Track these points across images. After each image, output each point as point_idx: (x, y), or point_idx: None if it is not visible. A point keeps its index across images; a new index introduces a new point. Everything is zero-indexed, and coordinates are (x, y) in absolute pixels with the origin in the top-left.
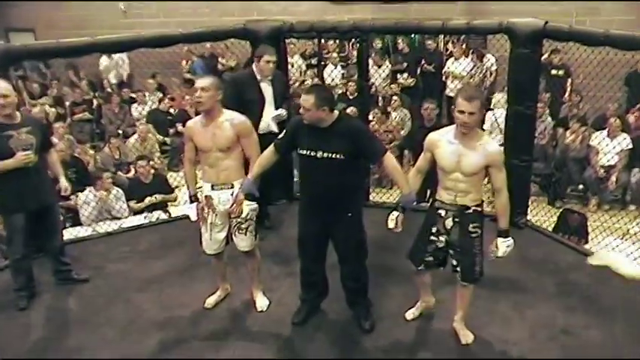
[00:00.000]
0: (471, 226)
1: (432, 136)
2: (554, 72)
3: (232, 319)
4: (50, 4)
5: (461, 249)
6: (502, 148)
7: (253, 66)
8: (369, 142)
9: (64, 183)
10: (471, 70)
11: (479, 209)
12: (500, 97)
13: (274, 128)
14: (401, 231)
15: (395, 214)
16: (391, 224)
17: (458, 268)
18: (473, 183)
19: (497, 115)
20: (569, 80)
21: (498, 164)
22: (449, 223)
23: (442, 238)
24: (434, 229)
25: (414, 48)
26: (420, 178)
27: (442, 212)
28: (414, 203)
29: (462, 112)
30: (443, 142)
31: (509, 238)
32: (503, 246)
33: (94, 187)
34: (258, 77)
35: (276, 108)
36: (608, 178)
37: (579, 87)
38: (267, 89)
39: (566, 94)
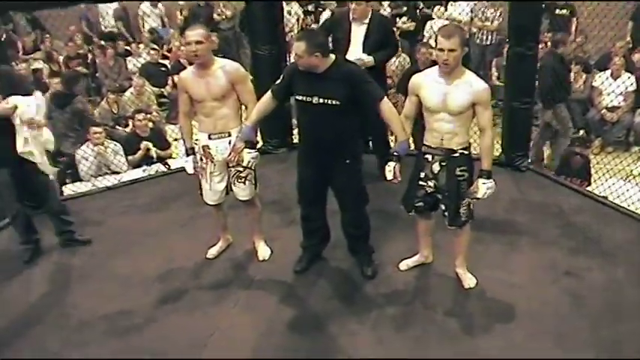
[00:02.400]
0: (458, 169)
1: (416, 78)
2: (558, 11)
3: (234, 269)
4: None
5: (448, 193)
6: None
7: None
8: (365, 87)
9: None
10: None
11: (466, 152)
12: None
13: None
14: (401, 180)
15: (392, 164)
16: (389, 175)
17: (445, 213)
18: (460, 123)
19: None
20: (575, 20)
21: (484, 102)
22: (436, 167)
23: (431, 183)
24: (422, 175)
25: None
26: (410, 123)
27: (429, 157)
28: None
29: (441, 49)
30: (428, 82)
31: (491, 180)
32: (484, 188)
33: (91, 142)
34: (351, 17)
35: (364, 52)
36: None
37: (584, 26)
38: (357, 31)
39: (572, 35)
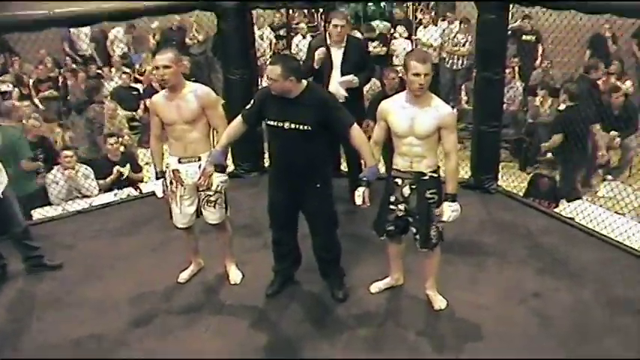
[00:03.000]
0: (427, 192)
1: (384, 104)
2: (524, 37)
3: (206, 292)
4: None
5: (419, 216)
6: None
7: (327, 32)
8: (336, 113)
9: None
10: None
11: (435, 175)
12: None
13: (342, 94)
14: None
15: (361, 189)
16: (358, 200)
17: (417, 236)
18: (428, 147)
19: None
20: (540, 46)
21: (450, 126)
22: (406, 191)
23: (401, 207)
24: (392, 198)
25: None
26: (379, 148)
27: (399, 181)
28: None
29: (417, 74)
30: (395, 107)
31: (456, 203)
32: (449, 210)
33: (62, 166)
34: (329, 42)
35: (343, 74)
36: None
37: (548, 52)
38: (336, 55)
39: (537, 61)
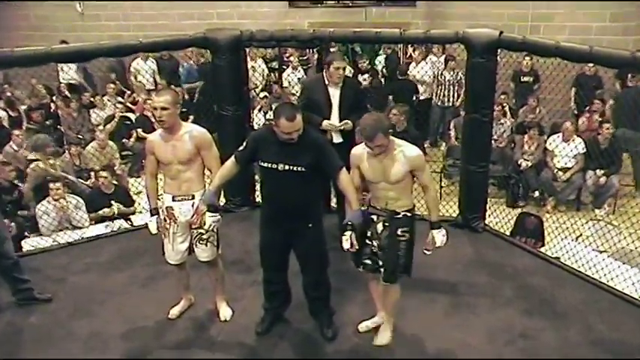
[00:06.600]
0: (399, 230)
1: (355, 151)
2: (523, 79)
3: (196, 329)
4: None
5: (388, 250)
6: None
7: (324, 71)
8: (328, 155)
9: None
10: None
11: (409, 214)
12: None
13: (339, 140)
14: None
15: (347, 234)
16: (346, 245)
17: (381, 269)
18: (401, 189)
19: None
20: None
21: (420, 167)
22: (379, 227)
23: (375, 243)
24: (368, 234)
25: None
26: (359, 192)
27: (374, 217)
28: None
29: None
30: (365, 155)
31: (442, 229)
32: (439, 235)
33: (52, 197)
34: (327, 82)
35: (340, 114)
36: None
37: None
38: (334, 94)
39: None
